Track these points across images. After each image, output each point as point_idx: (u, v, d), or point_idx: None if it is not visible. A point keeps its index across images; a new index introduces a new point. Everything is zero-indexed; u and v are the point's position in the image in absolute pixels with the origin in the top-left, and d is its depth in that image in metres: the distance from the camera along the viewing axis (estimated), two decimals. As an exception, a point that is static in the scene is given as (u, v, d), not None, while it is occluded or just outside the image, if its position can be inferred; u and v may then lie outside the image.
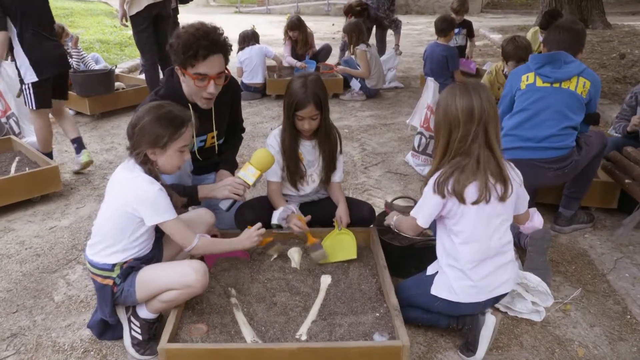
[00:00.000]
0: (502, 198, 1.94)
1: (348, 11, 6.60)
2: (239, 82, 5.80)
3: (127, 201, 1.97)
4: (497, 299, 2.12)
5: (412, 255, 2.52)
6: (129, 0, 4.67)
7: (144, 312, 2.09)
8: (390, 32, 7.35)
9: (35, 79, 3.45)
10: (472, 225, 1.96)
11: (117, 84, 5.47)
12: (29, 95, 3.53)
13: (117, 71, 6.21)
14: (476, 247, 1.98)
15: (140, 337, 2.09)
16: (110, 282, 2.02)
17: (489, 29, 11.12)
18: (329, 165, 2.66)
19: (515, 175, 2.02)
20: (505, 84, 2.98)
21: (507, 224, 2.05)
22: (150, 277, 2.02)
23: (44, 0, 3.50)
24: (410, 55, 8.57)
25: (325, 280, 2.38)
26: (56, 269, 2.73)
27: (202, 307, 2.17)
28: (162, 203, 1.99)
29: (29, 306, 2.43)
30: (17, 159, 3.75)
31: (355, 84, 5.95)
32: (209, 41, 2.30)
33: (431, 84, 3.86)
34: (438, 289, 2.07)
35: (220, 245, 2.25)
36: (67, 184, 3.72)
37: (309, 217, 2.53)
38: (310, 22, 7.02)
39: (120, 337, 2.15)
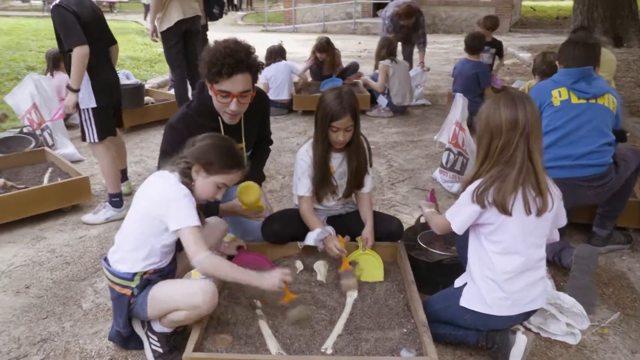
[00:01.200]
0: (540, 212, 1.91)
1: (409, 12, 6.26)
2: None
3: (154, 204, 1.97)
4: (528, 314, 2.07)
5: (440, 271, 2.47)
6: (160, 16, 4.78)
7: (158, 327, 2.08)
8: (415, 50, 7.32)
9: (94, 104, 3.20)
10: (511, 237, 1.93)
11: (146, 98, 5.59)
12: (89, 124, 3.24)
13: (146, 86, 6.34)
14: (515, 259, 1.94)
15: (160, 350, 2.08)
16: (128, 291, 2.01)
17: (518, 47, 11.02)
18: (357, 178, 2.63)
19: (555, 190, 1.98)
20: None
21: (543, 239, 2.01)
22: (160, 296, 1.99)
23: (106, 23, 3.38)
24: (437, 73, 8.55)
25: (352, 294, 2.34)
26: (85, 277, 2.76)
27: (228, 318, 2.15)
28: (187, 207, 1.94)
29: (59, 313, 2.46)
30: (50, 169, 3.85)
31: (382, 100, 5.94)
32: (235, 59, 2.29)
33: (460, 100, 3.83)
34: (468, 301, 2.02)
35: (231, 272, 1.97)
36: (97, 195, 3.78)
37: (347, 237, 2.52)
38: (337, 41, 7.06)
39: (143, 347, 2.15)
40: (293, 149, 4.80)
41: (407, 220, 3.35)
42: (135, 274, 2.01)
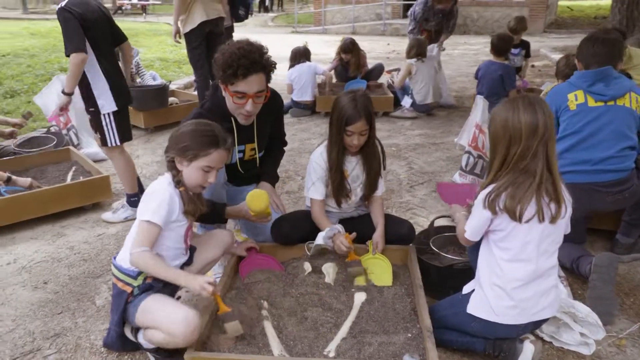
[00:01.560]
0: (554, 219, 1.85)
1: None
2: (290, 99, 5.93)
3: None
4: (537, 324, 2.00)
5: (451, 276, 2.42)
6: (183, 18, 4.85)
7: (143, 341, 2.06)
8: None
9: (115, 107, 3.20)
10: (521, 244, 1.87)
11: (171, 99, 5.68)
12: (110, 128, 3.23)
13: (173, 87, 6.44)
14: (525, 267, 1.89)
15: (160, 356, 2.09)
16: (129, 289, 2.03)
17: (551, 49, 10.74)
18: (372, 182, 2.61)
19: (568, 196, 1.91)
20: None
21: (555, 247, 1.94)
22: (150, 309, 1.97)
23: (113, 22, 3.29)
24: (465, 75, 8.42)
25: (359, 297, 2.32)
26: (100, 274, 2.82)
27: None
28: (155, 204, 1.97)
29: (73, 308, 2.52)
30: (73, 168, 3.96)
31: (406, 101, 5.89)
32: (249, 60, 2.30)
33: (480, 102, 3.75)
34: (475, 308, 1.97)
35: (160, 269, 1.96)
36: (118, 193, 3.86)
37: (354, 234, 2.50)
38: (366, 42, 7.04)
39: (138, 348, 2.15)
40: (313, 151, 4.78)
41: (423, 223, 3.30)
42: (140, 273, 2.03)
